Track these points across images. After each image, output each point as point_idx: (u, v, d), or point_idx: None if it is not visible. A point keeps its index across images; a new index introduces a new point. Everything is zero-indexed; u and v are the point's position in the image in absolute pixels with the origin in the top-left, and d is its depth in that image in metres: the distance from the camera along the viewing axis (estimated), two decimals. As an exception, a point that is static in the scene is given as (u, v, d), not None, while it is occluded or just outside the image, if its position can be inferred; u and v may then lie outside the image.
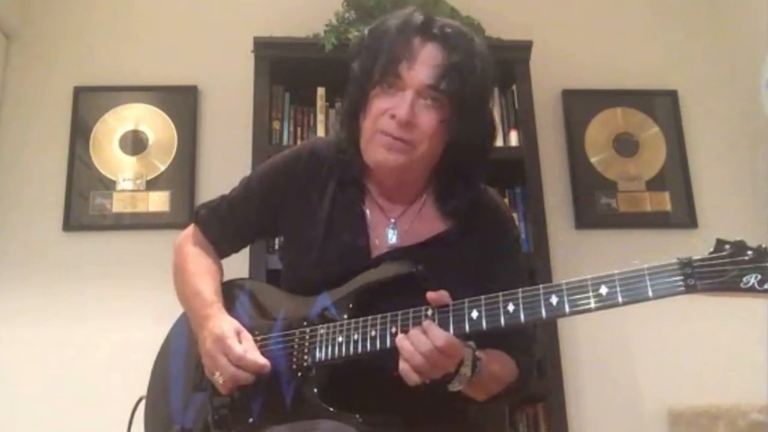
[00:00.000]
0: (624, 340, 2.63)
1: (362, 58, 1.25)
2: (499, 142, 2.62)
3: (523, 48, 2.65)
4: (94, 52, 2.83)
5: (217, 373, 1.18)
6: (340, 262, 1.25)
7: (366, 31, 1.28)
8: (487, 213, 1.32)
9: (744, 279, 0.90)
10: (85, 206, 2.64)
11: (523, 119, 2.60)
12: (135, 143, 2.74)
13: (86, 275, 2.56)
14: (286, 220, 1.34)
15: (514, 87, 2.67)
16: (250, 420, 1.19)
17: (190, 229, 1.44)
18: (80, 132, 2.72)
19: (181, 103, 2.78)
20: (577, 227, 2.75)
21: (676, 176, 2.82)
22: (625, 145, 2.86)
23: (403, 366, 1.05)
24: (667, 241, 2.68)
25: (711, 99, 2.93)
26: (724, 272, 0.91)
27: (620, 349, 2.63)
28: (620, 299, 0.96)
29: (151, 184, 2.69)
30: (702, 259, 0.93)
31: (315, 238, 1.28)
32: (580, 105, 2.89)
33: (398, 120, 1.17)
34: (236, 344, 1.17)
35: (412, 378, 1.05)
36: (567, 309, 0.99)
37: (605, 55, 2.96)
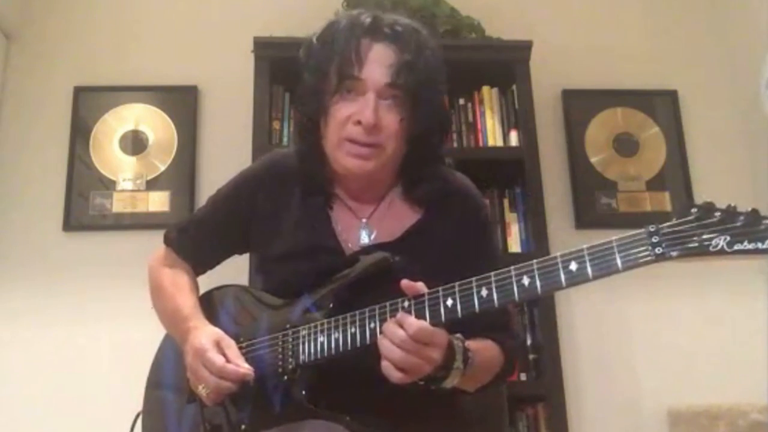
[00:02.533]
0: (624, 340, 2.63)
1: (314, 66, 1.25)
2: (499, 142, 2.63)
3: (523, 48, 2.64)
4: (95, 52, 2.83)
5: (201, 386, 1.18)
6: (316, 266, 1.24)
7: (313, 39, 1.28)
8: (456, 196, 1.33)
9: (713, 242, 0.86)
10: (85, 206, 2.64)
11: (523, 119, 2.59)
12: (135, 143, 2.74)
13: (86, 275, 2.56)
14: (257, 231, 1.34)
15: (514, 87, 2.66)
16: (243, 427, 1.19)
17: (162, 250, 1.43)
18: (80, 132, 2.72)
19: (181, 103, 2.78)
20: (577, 227, 2.74)
21: (676, 176, 2.82)
22: (625, 145, 2.86)
23: (384, 364, 1.04)
24: (667, 241, 2.68)
25: (711, 99, 2.93)
26: (692, 237, 0.87)
27: (620, 349, 2.63)
28: (590, 274, 0.93)
29: (151, 184, 2.69)
30: (669, 225, 0.89)
31: (287, 247, 1.28)
32: (580, 105, 2.89)
33: (365, 125, 1.18)
34: (215, 356, 1.16)
35: (395, 375, 1.03)
36: (539, 289, 0.97)
37: (605, 55, 2.96)
